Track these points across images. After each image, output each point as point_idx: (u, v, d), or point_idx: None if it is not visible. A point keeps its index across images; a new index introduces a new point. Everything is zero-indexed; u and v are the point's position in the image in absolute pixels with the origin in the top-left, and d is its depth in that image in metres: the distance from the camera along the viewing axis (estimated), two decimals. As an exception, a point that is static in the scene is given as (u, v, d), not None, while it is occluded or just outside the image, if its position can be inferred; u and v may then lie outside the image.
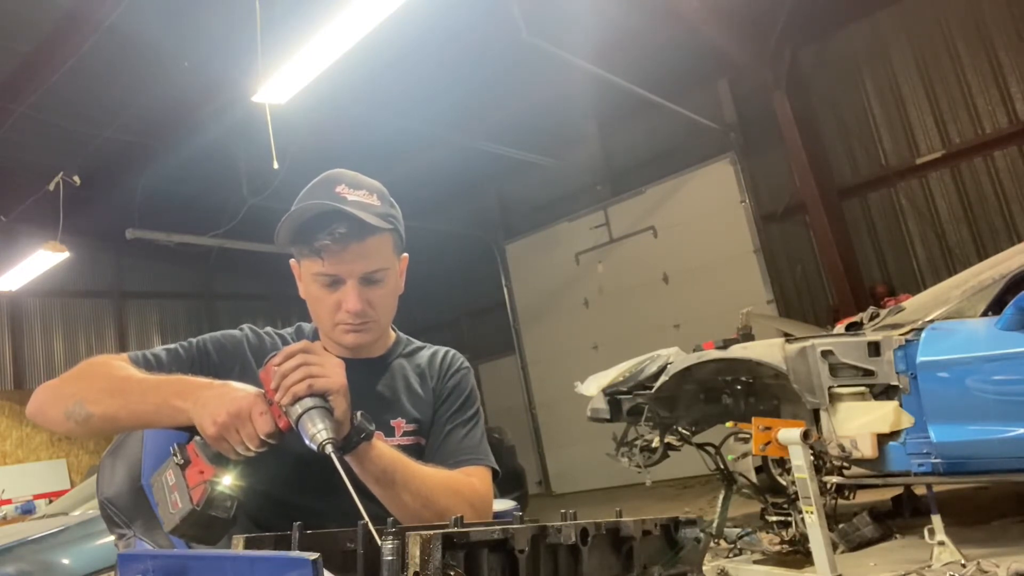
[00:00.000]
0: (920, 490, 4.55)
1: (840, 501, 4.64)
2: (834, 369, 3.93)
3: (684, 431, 5.11)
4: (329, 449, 1.08)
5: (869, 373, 3.85)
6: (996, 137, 8.39)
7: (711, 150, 10.29)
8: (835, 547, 4.13)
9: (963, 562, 3.51)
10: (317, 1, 5.23)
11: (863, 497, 5.17)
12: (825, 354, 3.94)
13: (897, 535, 4.46)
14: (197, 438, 1.15)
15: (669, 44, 8.67)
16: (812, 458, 3.75)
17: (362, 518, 0.98)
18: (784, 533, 4.57)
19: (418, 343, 1.62)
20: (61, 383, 1.32)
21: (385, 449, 1.25)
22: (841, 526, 4.44)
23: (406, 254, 1.50)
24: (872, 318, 4.39)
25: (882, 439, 3.78)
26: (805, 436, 3.59)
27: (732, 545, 4.76)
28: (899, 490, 4.95)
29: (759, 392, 4.63)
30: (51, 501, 8.32)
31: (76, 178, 8.40)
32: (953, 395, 3.60)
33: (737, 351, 4.40)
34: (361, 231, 1.34)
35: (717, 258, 10.15)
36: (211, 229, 10.08)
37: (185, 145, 8.85)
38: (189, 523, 1.12)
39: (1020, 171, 8.29)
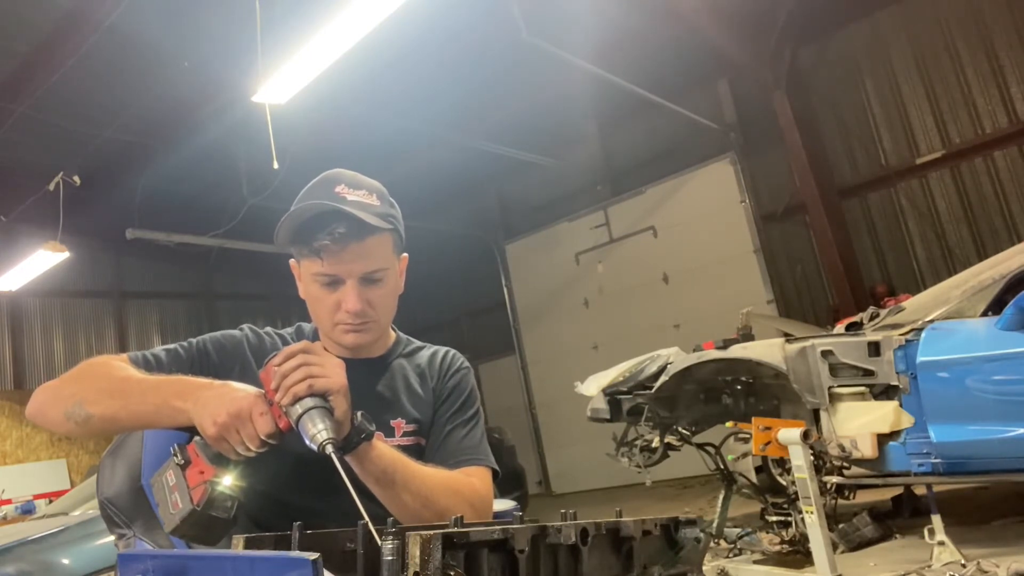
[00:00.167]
0: (920, 490, 4.54)
1: (840, 501, 4.63)
2: (834, 369, 3.93)
3: (684, 431, 5.11)
4: (329, 449, 1.08)
5: (869, 373, 3.85)
6: (996, 137, 8.39)
7: (711, 150, 10.29)
8: (835, 547, 4.13)
9: (963, 562, 3.51)
10: (317, 1, 5.23)
11: (863, 497, 5.16)
12: (825, 354, 3.94)
13: (897, 535, 4.46)
14: (197, 438, 1.15)
15: (669, 44, 8.68)
16: (812, 458, 3.75)
17: (362, 518, 0.98)
18: (784, 533, 4.56)
19: (418, 343, 1.61)
20: (61, 384, 1.32)
21: (385, 449, 1.25)
22: (841, 526, 4.44)
23: (406, 254, 1.50)
24: (872, 318, 4.39)
25: (882, 439, 3.78)
26: (805, 436, 3.59)
27: (732, 545, 4.76)
28: (899, 490, 4.95)
29: (759, 392, 4.63)
30: (51, 501, 8.31)
31: (76, 178, 8.41)
32: (953, 395, 3.60)
33: (737, 351, 4.40)
34: (361, 231, 1.33)
35: (717, 258, 10.14)
36: (211, 229, 10.08)
37: (185, 145, 8.86)
38: (189, 523, 1.12)
39: (1020, 171, 8.29)
